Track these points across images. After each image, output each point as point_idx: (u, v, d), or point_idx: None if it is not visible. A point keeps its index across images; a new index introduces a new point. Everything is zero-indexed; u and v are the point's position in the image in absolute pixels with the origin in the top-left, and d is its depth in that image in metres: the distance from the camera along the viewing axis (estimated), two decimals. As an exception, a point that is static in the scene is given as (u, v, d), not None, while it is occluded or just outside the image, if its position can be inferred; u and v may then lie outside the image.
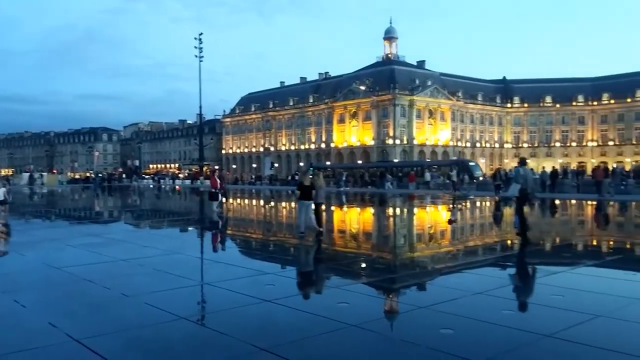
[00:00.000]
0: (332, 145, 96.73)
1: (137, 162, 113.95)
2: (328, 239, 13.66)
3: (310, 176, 12.89)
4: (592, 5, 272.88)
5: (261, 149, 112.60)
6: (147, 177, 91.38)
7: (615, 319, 5.32)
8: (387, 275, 8.49)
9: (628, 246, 11.74)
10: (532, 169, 17.88)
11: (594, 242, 12.69)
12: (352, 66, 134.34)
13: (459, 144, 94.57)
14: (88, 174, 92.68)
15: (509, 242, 12.56)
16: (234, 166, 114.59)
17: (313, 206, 12.19)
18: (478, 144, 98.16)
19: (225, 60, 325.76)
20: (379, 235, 14.80)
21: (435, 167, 56.29)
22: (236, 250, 12.01)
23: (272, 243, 12.89)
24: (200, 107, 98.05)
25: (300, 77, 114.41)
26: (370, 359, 4.41)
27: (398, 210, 24.07)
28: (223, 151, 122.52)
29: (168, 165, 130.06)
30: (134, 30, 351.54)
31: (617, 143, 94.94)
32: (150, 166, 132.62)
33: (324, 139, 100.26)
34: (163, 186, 63.11)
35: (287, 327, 5.26)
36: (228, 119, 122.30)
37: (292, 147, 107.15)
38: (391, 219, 20.11)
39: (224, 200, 20.39)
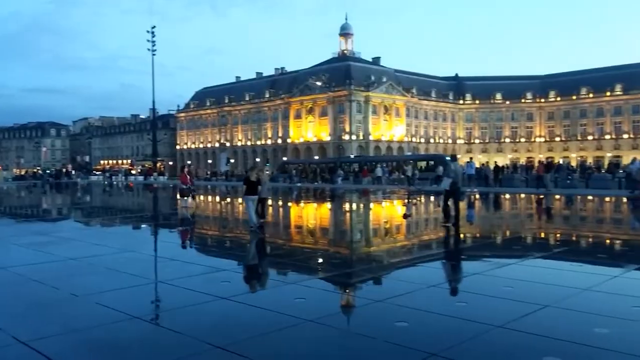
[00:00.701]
0: (289, 140, 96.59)
1: (87, 158, 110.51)
2: (285, 234, 13.65)
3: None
4: (541, 5, 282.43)
5: (217, 145, 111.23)
6: (98, 173, 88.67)
7: (562, 309, 5.53)
8: (343, 270, 8.55)
9: (573, 238, 12.22)
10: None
11: (542, 235, 13.15)
12: (308, 62, 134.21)
13: (414, 139, 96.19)
14: (35, 170, 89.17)
15: (462, 235, 12.87)
16: (189, 162, 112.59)
17: (256, 201, 12.60)
18: (432, 140, 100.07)
19: (179, 54, 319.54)
20: (336, 230, 14.88)
21: (412, 161, 55.38)
22: (192, 247, 11.83)
23: (228, 239, 12.78)
24: (154, 101, 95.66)
25: (256, 72, 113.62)
26: (326, 354, 4.44)
27: (353, 206, 24.27)
28: (178, 147, 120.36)
29: (120, 161, 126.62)
30: (84, 21, 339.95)
31: (563, 139, 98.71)
32: (102, 162, 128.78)
33: (280, 134, 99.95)
34: (115, 182, 61.43)
35: (244, 324, 5.21)
36: (182, 114, 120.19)
37: (249, 143, 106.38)
38: (347, 215, 20.27)
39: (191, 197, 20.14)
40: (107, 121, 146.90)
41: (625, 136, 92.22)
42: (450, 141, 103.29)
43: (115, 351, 4.54)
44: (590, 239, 12.13)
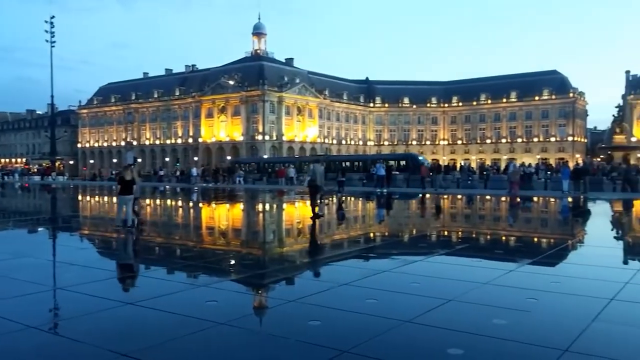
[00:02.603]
0: (200, 140, 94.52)
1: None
2: (195, 235, 13.33)
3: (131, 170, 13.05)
4: (446, 14, 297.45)
5: (123, 143, 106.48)
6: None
7: (464, 302, 5.83)
8: (256, 270, 8.47)
9: (473, 235, 12.96)
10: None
11: (445, 233, 13.82)
12: (220, 60, 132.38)
13: (326, 140, 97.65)
14: None
15: (371, 234, 13.24)
16: (92, 161, 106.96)
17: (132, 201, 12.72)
18: (344, 141, 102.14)
19: (82, 47, 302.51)
20: (248, 231, 14.73)
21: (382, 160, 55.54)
22: (94, 251, 11.20)
23: (134, 242, 12.24)
24: (52, 96, 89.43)
25: (166, 69, 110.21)
26: (238, 356, 4.37)
27: (266, 207, 24.18)
28: (79, 145, 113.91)
29: (14, 160, 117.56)
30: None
31: (464, 142, 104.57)
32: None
33: (191, 133, 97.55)
34: (8, 182, 56.85)
35: (152, 330, 5.01)
36: (85, 111, 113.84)
37: (157, 142, 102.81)
38: (260, 215, 20.15)
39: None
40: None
41: (519, 140, 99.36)
42: (361, 143, 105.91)
43: (7, 365, 4.19)
44: (474, 235, 12.91)
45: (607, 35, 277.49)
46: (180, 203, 25.89)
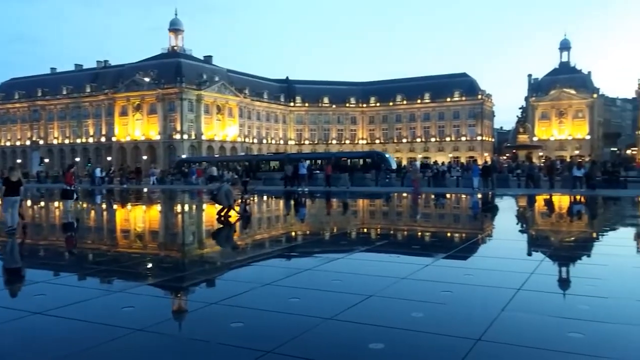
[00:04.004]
0: (114, 139, 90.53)
1: None
2: (109, 239, 12.78)
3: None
4: (362, 15, 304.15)
5: (28, 143, 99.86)
6: None
7: (384, 297, 5.99)
8: (175, 274, 8.24)
9: (392, 232, 13.36)
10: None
11: (365, 230, 14.14)
12: (135, 56, 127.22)
13: (247, 140, 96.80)
14: None
15: (293, 233, 13.29)
16: (77, 159, 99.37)
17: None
18: (265, 141, 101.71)
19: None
20: (166, 233, 14.28)
21: (345, 158, 52.98)
22: (-3, 259, 10.39)
23: (42, 247, 11.51)
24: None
25: (76, 64, 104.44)
26: (158, 363, 4.22)
27: (185, 208, 23.58)
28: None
29: None
30: None
31: (382, 141, 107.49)
32: None
33: (104, 132, 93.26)
34: None
35: (63, 340, 4.73)
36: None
37: (67, 141, 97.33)
38: (178, 217, 19.61)
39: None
40: None
41: (433, 139, 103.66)
42: (282, 142, 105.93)
43: None
44: (392, 231, 13.36)
45: (511, 41, 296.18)
46: (81, 206, 24.61)
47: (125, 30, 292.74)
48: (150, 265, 8.94)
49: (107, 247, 11.35)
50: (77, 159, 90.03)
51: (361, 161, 50.34)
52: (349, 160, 50.87)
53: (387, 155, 54.63)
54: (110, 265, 8.79)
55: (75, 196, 18.08)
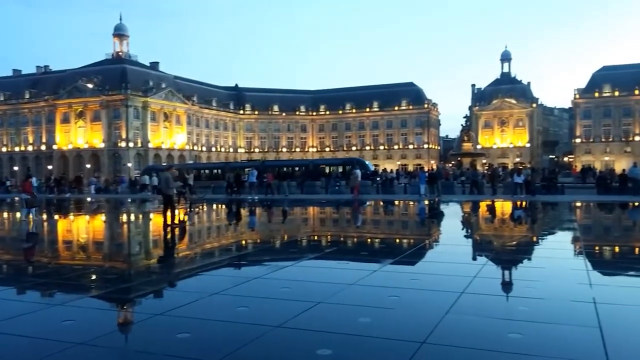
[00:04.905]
0: (55, 147, 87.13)
1: None
2: (50, 250, 12.31)
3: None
4: (310, 23, 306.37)
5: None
6: None
7: (332, 304, 6.04)
8: (120, 285, 8.00)
9: (342, 239, 13.47)
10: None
11: (315, 237, 14.18)
12: (77, 62, 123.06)
13: (196, 148, 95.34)
14: None
15: (243, 242, 13.18)
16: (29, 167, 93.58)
17: None
18: (214, 149, 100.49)
19: None
20: (111, 244, 13.85)
21: (323, 165, 51.85)
22: None
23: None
24: None
25: (14, 69, 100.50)
26: (101, 377, 4.10)
27: (130, 217, 22.96)
28: None
29: None
30: None
31: (332, 149, 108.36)
32: None
33: (44, 140, 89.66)
34: None
35: (-3, 357, 4.51)
36: None
37: (4, 149, 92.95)
38: (124, 227, 19.07)
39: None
40: None
41: (382, 147, 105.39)
42: (231, 150, 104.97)
43: None
44: (342, 238, 13.51)
45: (456, 52, 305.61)
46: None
47: (68, 35, 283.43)
48: (93, 277, 8.65)
49: (47, 259, 10.90)
50: (16, 168, 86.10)
51: (340, 168, 49.50)
52: (327, 168, 50.14)
53: (367, 163, 54.04)
54: (51, 278, 8.45)
55: (36, 204, 18.08)
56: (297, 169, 50.45)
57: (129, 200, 33.60)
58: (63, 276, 8.60)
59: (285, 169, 48.59)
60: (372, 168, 52.42)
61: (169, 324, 5.41)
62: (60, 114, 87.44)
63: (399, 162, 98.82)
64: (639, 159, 68.95)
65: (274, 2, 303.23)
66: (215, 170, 56.61)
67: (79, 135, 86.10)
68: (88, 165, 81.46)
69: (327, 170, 47.80)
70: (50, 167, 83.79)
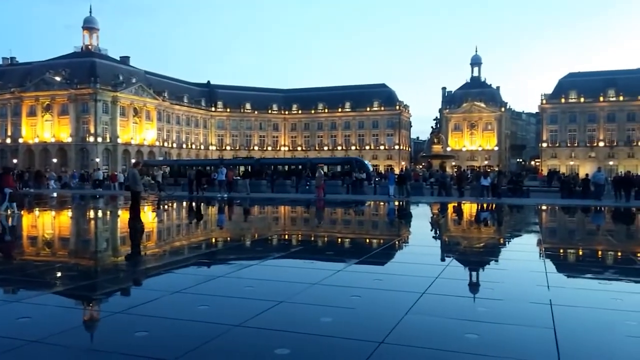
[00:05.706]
0: (21, 140, 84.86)
1: None
2: (8, 246, 12.00)
3: None
4: (281, 22, 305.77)
5: None
6: None
7: (294, 303, 6.05)
8: (80, 282, 7.85)
9: (312, 239, 13.49)
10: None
11: (285, 236, 14.17)
12: (45, 54, 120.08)
13: (166, 144, 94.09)
14: None
15: (212, 240, 13.08)
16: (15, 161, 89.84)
17: None
18: (184, 145, 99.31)
19: None
20: (76, 240, 13.56)
21: (322, 164, 50.25)
22: None
23: None
24: None
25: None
26: (53, 377, 4.02)
27: (95, 214, 22.53)
28: None
29: None
30: None
31: (304, 148, 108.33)
32: None
33: (9, 133, 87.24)
34: None
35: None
36: None
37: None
38: (87, 224, 18.70)
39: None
40: None
41: (353, 148, 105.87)
42: (202, 147, 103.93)
43: None
44: (310, 238, 13.55)
45: (428, 55, 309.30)
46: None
47: (36, 27, 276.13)
48: (53, 274, 8.45)
49: (3, 255, 10.62)
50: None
51: (339, 167, 49.40)
52: (326, 167, 49.71)
53: (366, 162, 53.93)
54: (8, 274, 8.23)
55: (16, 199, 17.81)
56: (292, 167, 50.30)
57: (97, 196, 32.94)
58: (24, 272, 8.39)
59: (280, 167, 48.75)
60: (371, 169, 52.53)
61: (128, 322, 5.34)
62: (26, 106, 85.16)
63: (370, 163, 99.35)
64: (603, 164, 71.12)
65: (246, 1, 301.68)
66: (208, 167, 56.19)
67: (45, 129, 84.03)
68: (55, 160, 79.55)
69: (326, 170, 47.37)
70: (15, 160, 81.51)
